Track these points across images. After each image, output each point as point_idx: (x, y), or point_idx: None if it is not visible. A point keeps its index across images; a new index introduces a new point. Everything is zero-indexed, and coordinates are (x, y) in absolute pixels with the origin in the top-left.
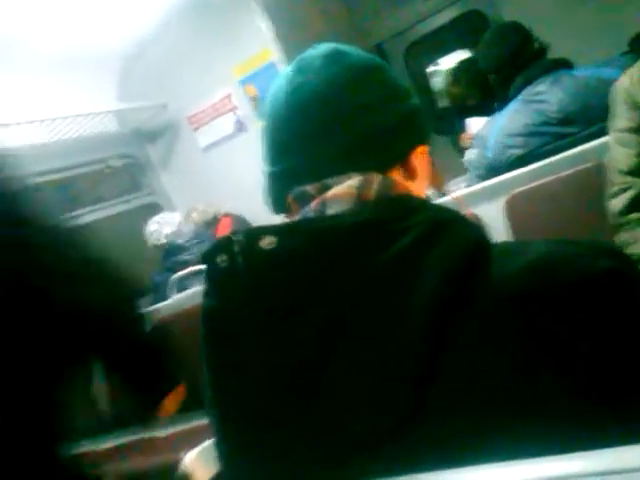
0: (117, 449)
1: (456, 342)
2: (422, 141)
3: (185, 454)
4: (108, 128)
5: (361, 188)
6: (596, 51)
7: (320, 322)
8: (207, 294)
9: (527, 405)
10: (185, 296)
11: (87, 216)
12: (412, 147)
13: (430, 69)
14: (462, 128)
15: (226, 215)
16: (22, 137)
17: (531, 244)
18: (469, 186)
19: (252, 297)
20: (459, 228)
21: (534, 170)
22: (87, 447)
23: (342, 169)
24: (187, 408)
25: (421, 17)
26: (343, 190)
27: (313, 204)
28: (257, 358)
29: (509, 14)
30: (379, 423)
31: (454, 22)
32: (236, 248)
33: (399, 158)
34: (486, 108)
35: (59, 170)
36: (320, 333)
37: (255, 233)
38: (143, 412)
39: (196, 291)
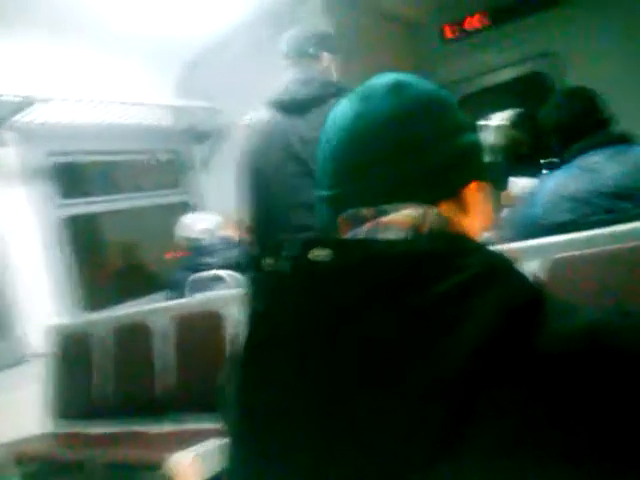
0: (108, 436)
1: (490, 393)
2: (479, 177)
3: (173, 454)
4: (162, 122)
5: (417, 219)
6: None
7: (362, 343)
8: (251, 297)
9: (556, 461)
10: (201, 298)
11: (124, 202)
12: (467, 182)
13: (482, 122)
14: (505, 186)
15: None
16: (77, 114)
17: (583, 308)
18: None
19: (296, 306)
20: (515, 277)
21: (580, 238)
22: (79, 429)
23: (395, 199)
24: (188, 408)
25: (486, 70)
26: (400, 218)
27: (366, 226)
28: (293, 367)
29: (574, 80)
30: (409, 455)
31: (515, 81)
32: (286, 254)
33: (453, 192)
34: (534, 168)
35: (107, 152)
36: (360, 354)
37: (307, 242)
38: None
39: (215, 296)
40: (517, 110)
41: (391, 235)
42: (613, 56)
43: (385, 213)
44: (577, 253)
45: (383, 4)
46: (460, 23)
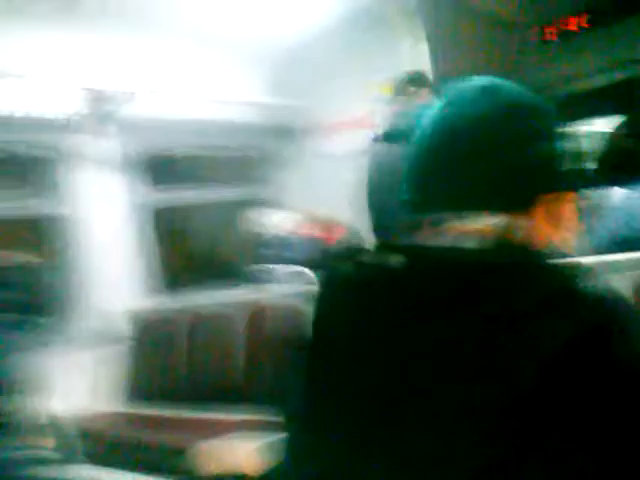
0: (176, 421)
1: (560, 408)
2: (560, 187)
3: (201, 443)
4: (250, 118)
5: (499, 228)
6: None
7: (429, 349)
8: (322, 297)
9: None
10: (283, 293)
11: (209, 195)
12: (546, 191)
13: (582, 127)
14: (594, 195)
15: (342, 225)
16: (173, 109)
17: None
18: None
19: (369, 308)
20: (593, 298)
21: None
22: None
23: (472, 205)
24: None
25: (586, 73)
26: (480, 226)
27: (448, 233)
28: (359, 366)
29: None
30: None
31: (615, 85)
32: (364, 259)
33: (529, 200)
34: (631, 179)
35: (199, 147)
36: (426, 359)
37: (384, 247)
38: None
39: (294, 291)
40: (621, 117)
41: (468, 244)
42: None
43: (462, 220)
44: None
45: (480, 3)
46: (560, 24)
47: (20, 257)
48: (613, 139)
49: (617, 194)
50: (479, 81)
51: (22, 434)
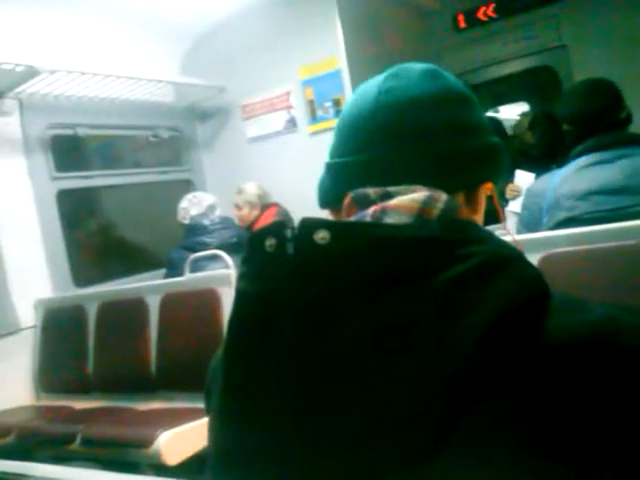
0: (93, 411)
1: (492, 385)
2: (494, 178)
3: (161, 432)
4: (164, 99)
5: (425, 204)
6: None
7: (360, 331)
8: (246, 277)
9: (549, 461)
10: (197, 276)
11: (124, 177)
12: (484, 180)
13: (490, 114)
14: (511, 178)
15: (274, 204)
16: (81, 87)
17: (589, 303)
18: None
19: (297, 288)
20: (522, 268)
21: (575, 234)
22: (64, 403)
23: (412, 179)
24: (179, 387)
25: (493, 61)
26: (406, 202)
27: (372, 209)
28: (287, 351)
29: (582, 74)
30: (394, 452)
31: (523, 74)
32: (288, 235)
33: (469, 185)
34: (542, 163)
35: (108, 127)
36: (357, 342)
37: (311, 224)
38: None
39: (210, 275)
40: (530, 110)
41: (397, 219)
42: (621, 51)
43: (392, 196)
44: (571, 248)
45: None
46: (473, 12)
47: None
48: (519, 126)
49: (527, 177)
50: (424, 64)
51: None
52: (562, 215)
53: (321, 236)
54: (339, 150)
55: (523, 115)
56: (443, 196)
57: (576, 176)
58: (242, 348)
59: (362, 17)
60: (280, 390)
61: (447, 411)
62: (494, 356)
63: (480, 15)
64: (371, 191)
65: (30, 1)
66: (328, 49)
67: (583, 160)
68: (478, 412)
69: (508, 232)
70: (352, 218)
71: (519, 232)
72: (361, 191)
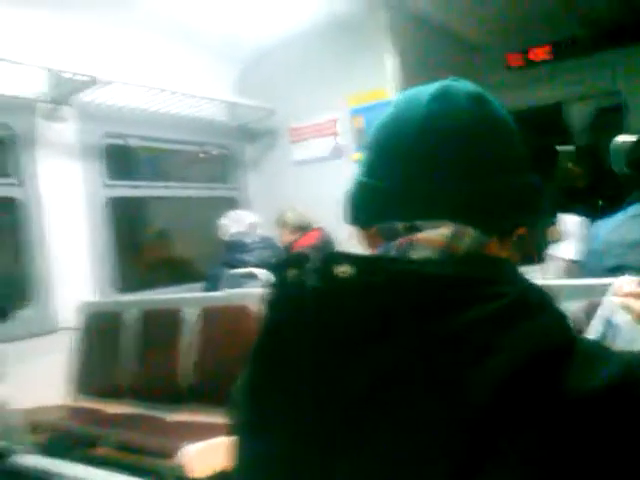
0: (124, 417)
1: (510, 431)
2: (532, 223)
3: (186, 444)
4: (215, 117)
5: (452, 239)
6: None
7: (377, 367)
8: (269, 304)
9: None
10: (234, 293)
11: (171, 190)
12: (521, 225)
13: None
14: (554, 220)
15: (318, 229)
16: (136, 99)
17: (614, 354)
18: (545, 277)
19: (315, 321)
20: (548, 315)
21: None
22: (97, 406)
23: (442, 213)
24: (206, 400)
25: (542, 102)
26: (433, 237)
27: (398, 242)
28: (305, 382)
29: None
30: None
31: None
32: (310, 267)
33: (505, 229)
34: (586, 198)
35: (159, 140)
36: (374, 378)
37: (333, 257)
38: None
39: (247, 292)
40: (579, 144)
41: (423, 253)
42: None
43: (419, 230)
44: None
45: (448, 25)
46: (524, 52)
47: None
48: (563, 159)
49: (570, 220)
50: (469, 86)
51: None
52: (611, 262)
53: (342, 270)
54: (373, 169)
55: (567, 148)
56: (471, 231)
57: (629, 223)
58: (262, 373)
59: (412, 49)
60: (298, 422)
61: (466, 454)
62: (512, 403)
63: (531, 56)
64: (399, 224)
65: (90, 14)
66: (380, 80)
67: (634, 209)
68: (498, 458)
69: (541, 275)
70: (377, 251)
71: (581, 276)
72: (388, 224)
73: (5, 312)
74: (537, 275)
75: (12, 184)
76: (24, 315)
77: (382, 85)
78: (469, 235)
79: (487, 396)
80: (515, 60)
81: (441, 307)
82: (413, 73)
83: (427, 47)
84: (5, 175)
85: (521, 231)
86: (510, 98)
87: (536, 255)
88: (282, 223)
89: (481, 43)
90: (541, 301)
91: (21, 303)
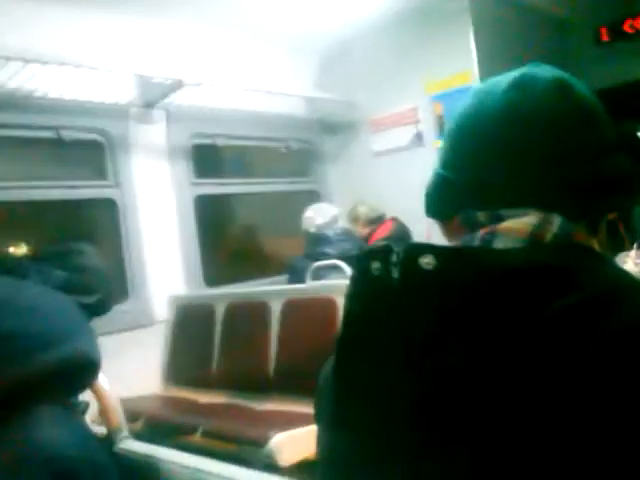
0: (214, 407)
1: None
2: (624, 207)
3: (275, 432)
4: (295, 112)
5: (538, 227)
6: None
7: (461, 359)
8: (353, 297)
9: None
10: (318, 285)
11: (255, 186)
12: (610, 210)
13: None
14: None
15: (392, 219)
16: (221, 99)
17: None
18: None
19: (400, 313)
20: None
21: None
22: (188, 395)
23: (528, 202)
24: (294, 390)
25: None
26: (518, 225)
27: (481, 232)
28: (397, 372)
29: None
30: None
31: None
32: (394, 259)
33: (595, 215)
34: None
35: (244, 138)
36: (458, 369)
37: (417, 249)
38: None
39: (331, 284)
40: None
41: (507, 243)
42: None
43: (502, 219)
44: None
45: (533, 1)
46: (618, 25)
47: (75, 243)
48: None
49: None
50: (552, 72)
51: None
52: None
53: (427, 261)
54: (452, 161)
55: None
56: (557, 218)
57: None
58: (350, 364)
59: (497, 31)
60: (390, 405)
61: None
62: (614, 392)
63: (627, 27)
64: (480, 214)
65: (173, 19)
66: (460, 64)
67: None
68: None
69: (630, 260)
70: (459, 242)
71: None
72: (471, 213)
73: (106, 306)
74: (629, 261)
75: (109, 186)
76: (122, 309)
77: (465, 69)
78: (555, 223)
79: (586, 383)
80: (607, 34)
81: (530, 298)
82: (496, 55)
83: (510, 27)
84: (103, 177)
85: (611, 216)
86: (600, 75)
87: (627, 241)
88: (354, 218)
89: (569, 17)
90: (632, 287)
91: (120, 297)
